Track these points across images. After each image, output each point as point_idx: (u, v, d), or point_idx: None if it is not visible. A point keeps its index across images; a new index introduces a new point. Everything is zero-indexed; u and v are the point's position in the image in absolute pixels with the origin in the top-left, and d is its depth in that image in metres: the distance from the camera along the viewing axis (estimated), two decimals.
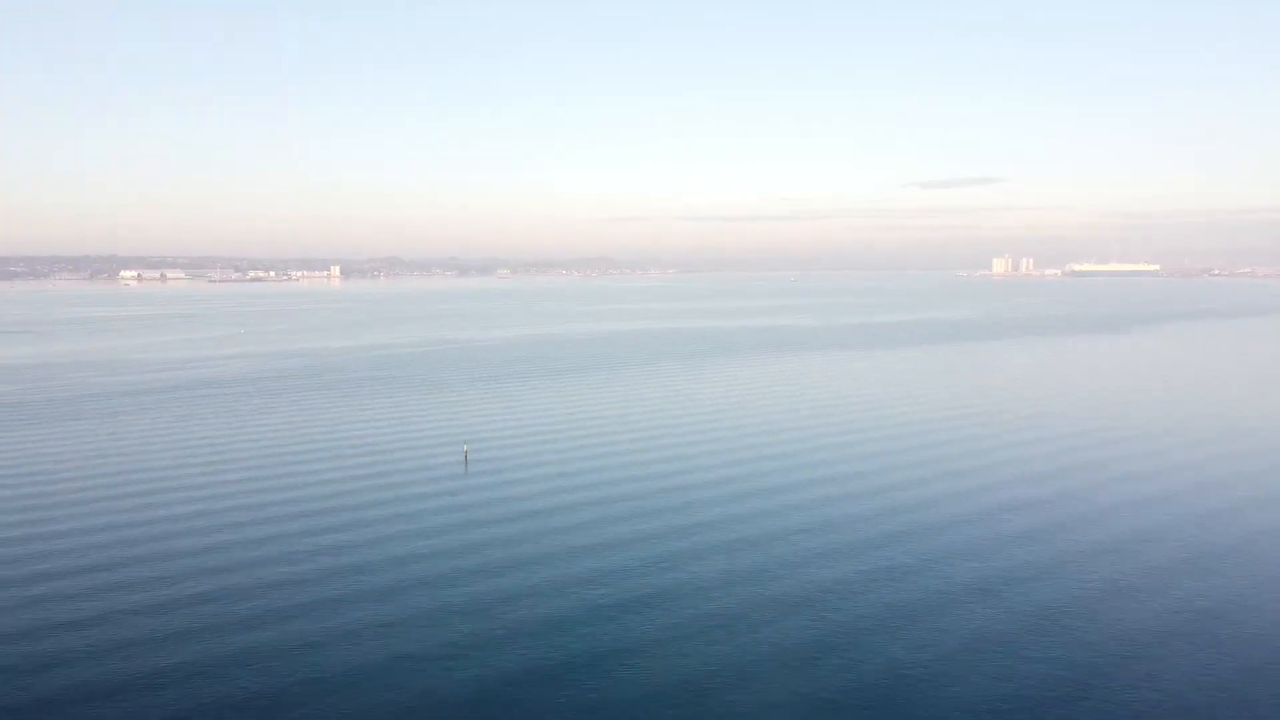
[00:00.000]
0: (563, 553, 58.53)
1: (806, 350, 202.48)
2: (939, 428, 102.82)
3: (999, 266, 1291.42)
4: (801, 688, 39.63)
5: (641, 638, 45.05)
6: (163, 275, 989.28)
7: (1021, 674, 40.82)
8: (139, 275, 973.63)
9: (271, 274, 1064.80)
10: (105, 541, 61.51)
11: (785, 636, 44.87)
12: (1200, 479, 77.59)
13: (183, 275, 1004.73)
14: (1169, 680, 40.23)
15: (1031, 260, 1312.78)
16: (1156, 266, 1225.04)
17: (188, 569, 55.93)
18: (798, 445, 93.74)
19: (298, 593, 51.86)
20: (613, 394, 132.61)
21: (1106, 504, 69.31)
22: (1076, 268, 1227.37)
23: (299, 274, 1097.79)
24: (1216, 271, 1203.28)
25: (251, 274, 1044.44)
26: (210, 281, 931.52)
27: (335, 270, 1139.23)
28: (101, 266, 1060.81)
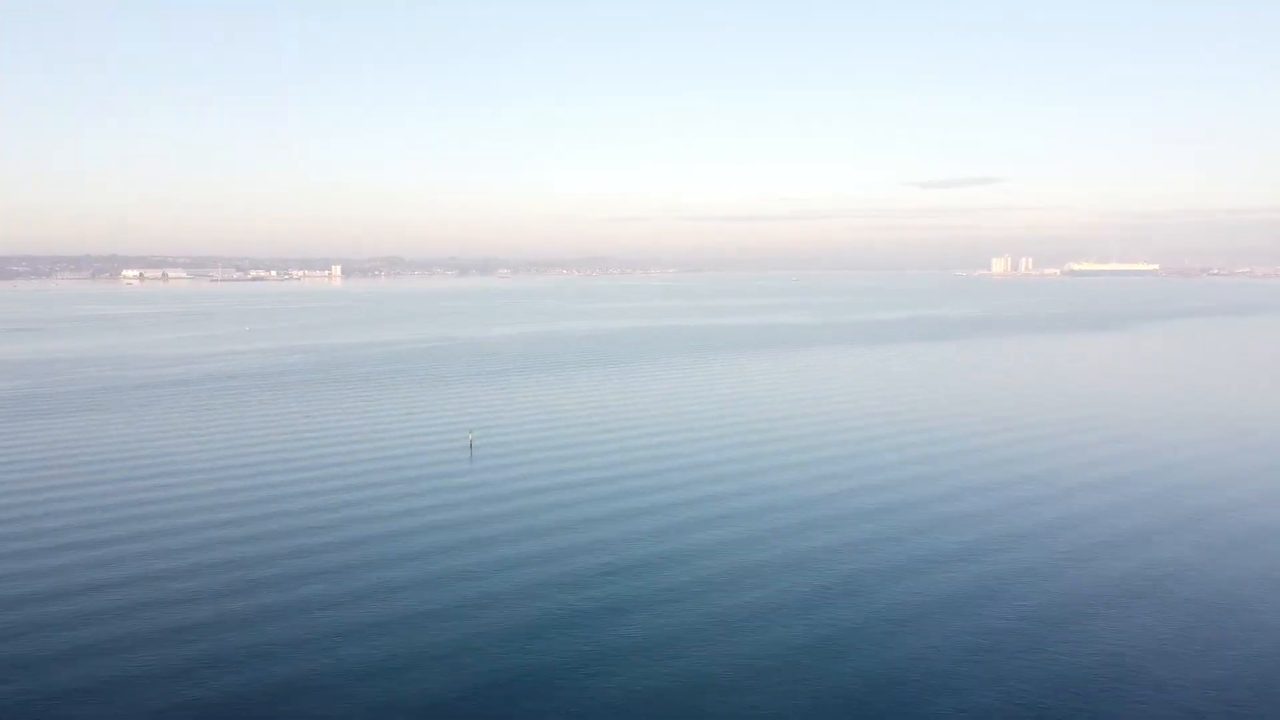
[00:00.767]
0: (560, 538, 60.67)
1: (807, 346, 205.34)
2: (932, 425, 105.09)
3: (998, 266, 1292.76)
4: (802, 689, 38.97)
5: (628, 638, 43.92)
6: (164, 275, 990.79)
7: (1021, 678, 39.75)
8: (141, 275, 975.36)
9: (273, 273, 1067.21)
10: (116, 527, 63.94)
11: (786, 637, 44.05)
12: (1198, 476, 76.54)
13: (184, 275, 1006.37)
14: (1176, 689, 38.98)
15: (1030, 260, 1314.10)
16: (1156, 266, 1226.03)
17: (194, 549, 58.36)
18: (796, 437, 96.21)
19: (308, 577, 53.43)
20: (615, 387, 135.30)
21: (1105, 503, 67.82)
22: (1075, 267, 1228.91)
23: (300, 273, 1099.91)
24: (1215, 271, 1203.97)
25: (253, 273, 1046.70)
26: (212, 281, 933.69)
27: (336, 270, 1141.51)
28: (103, 266, 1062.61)
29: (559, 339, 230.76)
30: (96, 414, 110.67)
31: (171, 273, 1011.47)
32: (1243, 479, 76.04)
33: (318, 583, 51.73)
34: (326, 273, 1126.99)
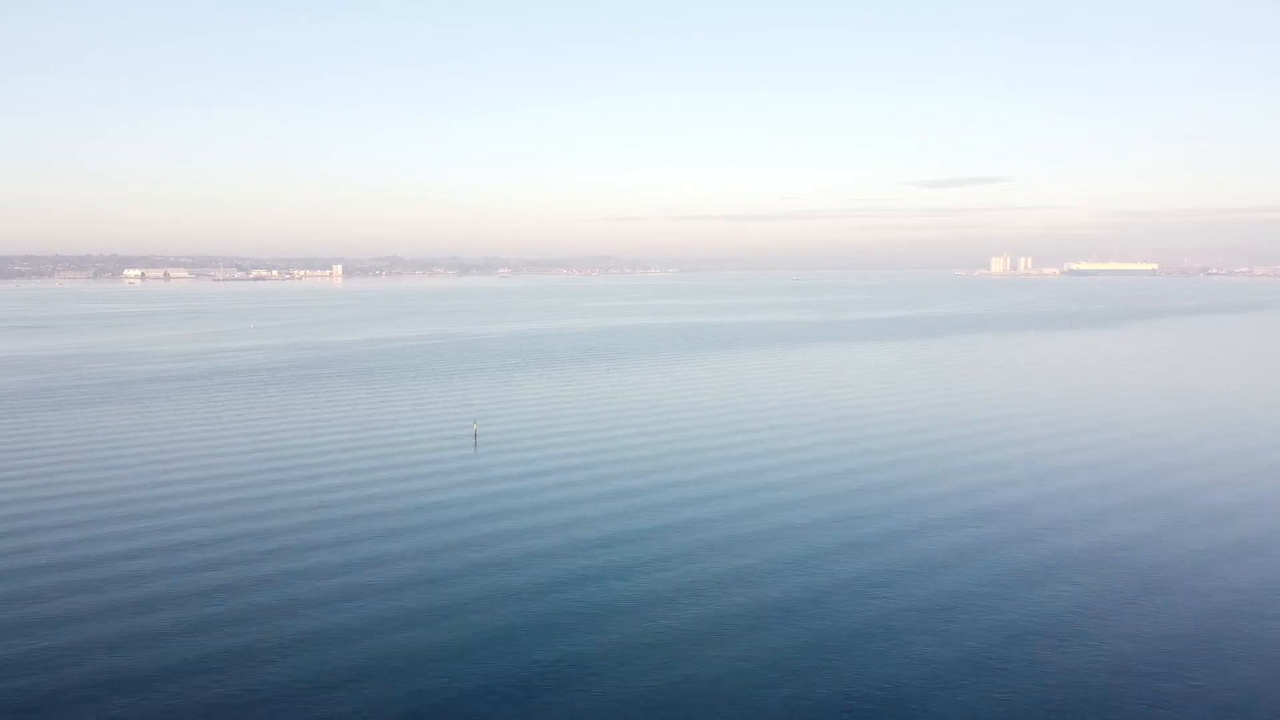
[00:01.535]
0: (560, 525, 62.70)
1: (807, 343, 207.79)
2: (929, 421, 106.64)
3: (997, 265, 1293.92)
4: (802, 689, 38.64)
5: (629, 638, 43.47)
6: (166, 274, 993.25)
7: (1021, 678, 39.31)
8: (143, 274, 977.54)
9: (274, 273, 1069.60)
10: (127, 521, 66.16)
11: (786, 636, 43.85)
12: (1197, 475, 75.65)
13: (186, 274, 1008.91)
14: (1181, 698, 38.03)
15: (1030, 259, 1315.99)
16: (1154, 265, 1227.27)
17: (204, 541, 60.63)
18: (795, 431, 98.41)
19: (314, 565, 55.09)
20: (616, 381, 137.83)
21: (1106, 504, 66.73)
22: (1075, 266, 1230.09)
23: (302, 273, 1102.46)
24: (1214, 270, 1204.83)
25: (255, 273, 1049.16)
26: (214, 280, 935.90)
27: (337, 269, 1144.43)
28: (105, 265, 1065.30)
29: (561, 335, 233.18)
30: (112, 406, 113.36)
31: (173, 272, 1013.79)
32: (1242, 477, 74.73)
33: (320, 574, 52.51)
34: (328, 272, 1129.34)
